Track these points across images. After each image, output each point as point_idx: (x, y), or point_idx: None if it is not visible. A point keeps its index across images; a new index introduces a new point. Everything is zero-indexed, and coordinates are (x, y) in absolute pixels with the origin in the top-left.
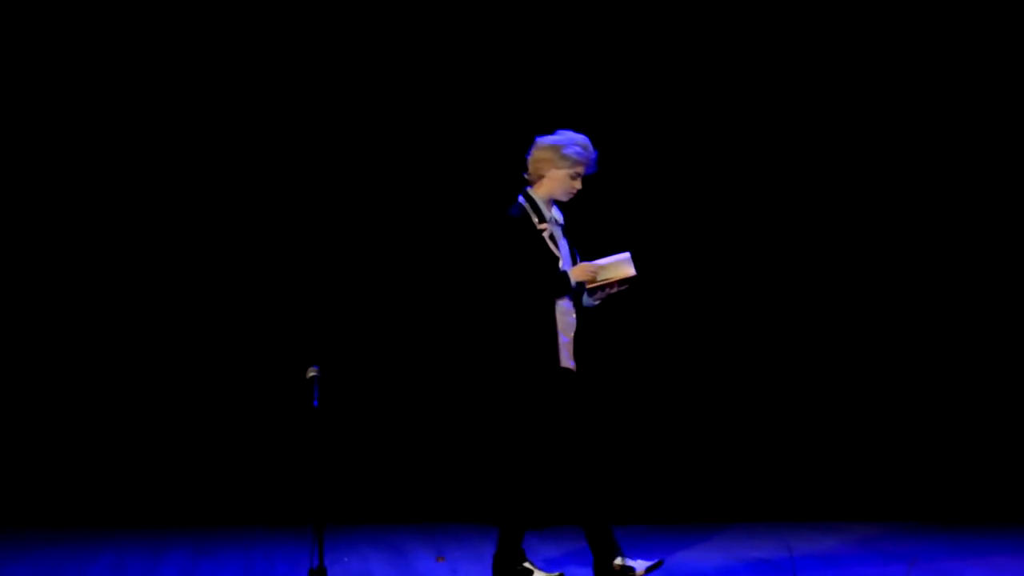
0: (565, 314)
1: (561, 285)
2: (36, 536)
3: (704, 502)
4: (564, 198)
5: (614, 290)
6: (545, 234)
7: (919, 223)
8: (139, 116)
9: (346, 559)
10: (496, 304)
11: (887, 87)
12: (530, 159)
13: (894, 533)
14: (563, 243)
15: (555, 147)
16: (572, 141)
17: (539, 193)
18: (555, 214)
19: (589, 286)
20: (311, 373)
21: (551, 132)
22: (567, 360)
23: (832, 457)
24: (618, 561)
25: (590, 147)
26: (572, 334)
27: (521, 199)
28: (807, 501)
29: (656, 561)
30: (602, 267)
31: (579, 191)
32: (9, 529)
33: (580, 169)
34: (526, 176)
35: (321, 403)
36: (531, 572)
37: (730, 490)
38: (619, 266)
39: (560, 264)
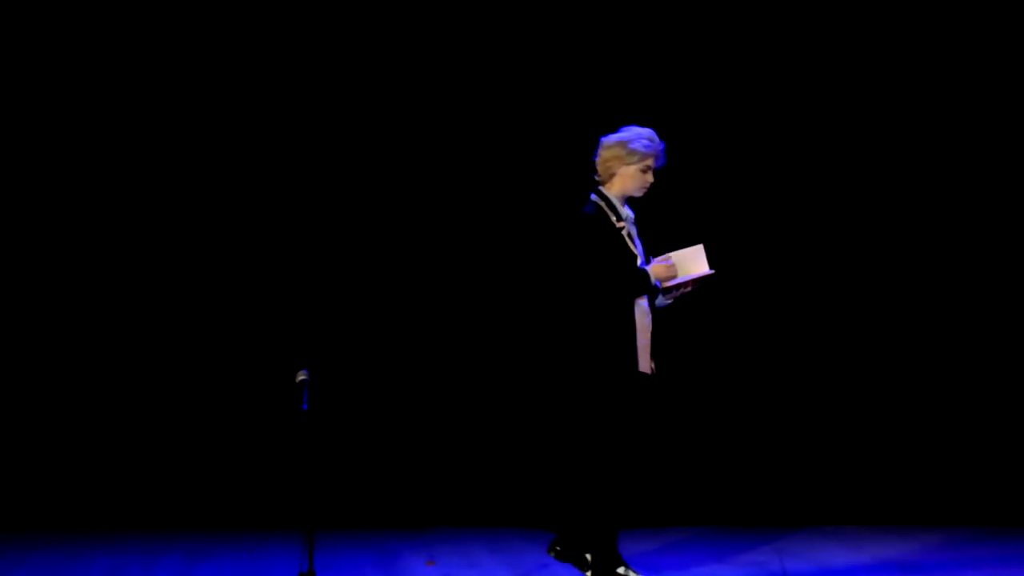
0: (644, 315)
1: (642, 284)
2: (33, 540)
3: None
4: (638, 193)
5: (688, 289)
6: (623, 232)
7: (921, 226)
8: (126, 118)
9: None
10: (575, 305)
11: (887, 88)
12: (598, 159)
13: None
14: (638, 241)
15: (622, 143)
16: (638, 135)
17: (613, 191)
18: (628, 212)
19: (665, 285)
20: (301, 377)
21: (602, 130)
22: (645, 363)
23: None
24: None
25: (656, 139)
26: (649, 335)
27: (595, 197)
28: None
29: None
30: (677, 262)
31: (652, 185)
32: (5, 534)
33: (650, 162)
34: (596, 178)
35: (312, 406)
36: None
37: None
38: (694, 260)
39: (638, 262)
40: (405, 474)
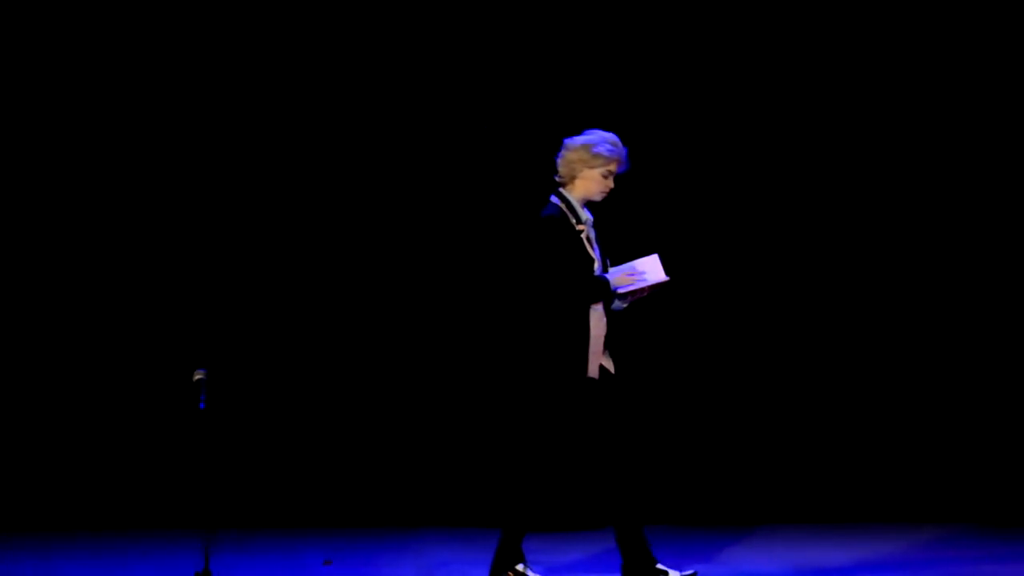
0: (599, 319)
1: (601, 290)
2: None
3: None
4: (598, 198)
5: (644, 294)
6: (583, 235)
7: (905, 219)
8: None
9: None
10: (530, 307)
11: (884, 89)
12: (561, 160)
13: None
14: (596, 245)
15: (587, 146)
16: (602, 139)
17: (574, 194)
18: (587, 215)
19: (622, 291)
20: (198, 376)
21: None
22: (595, 369)
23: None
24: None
25: (620, 144)
26: (603, 341)
27: (555, 200)
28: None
29: (691, 572)
30: (637, 271)
31: (612, 190)
32: None
33: (613, 167)
34: (557, 179)
35: (210, 405)
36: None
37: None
38: (652, 269)
39: (596, 267)
40: (307, 474)
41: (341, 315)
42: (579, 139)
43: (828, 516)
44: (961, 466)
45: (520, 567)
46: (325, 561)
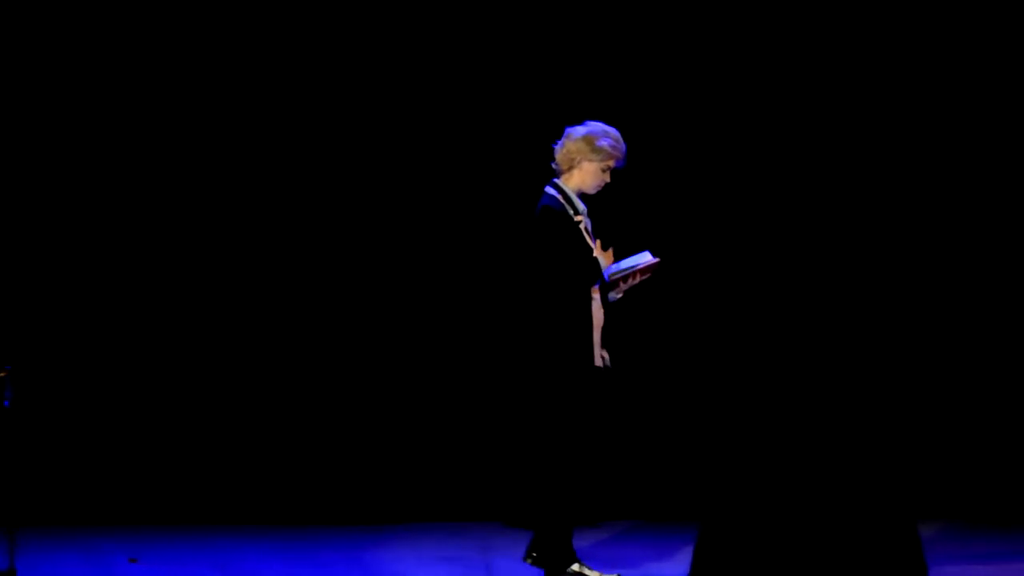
0: (597, 309)
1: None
2: None
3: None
4: (593, 191)
5: (636, 280)
6: (581, 226)
7: (886, 216)
8: None
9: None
10: (533, 299)
11: (883, 89)
12: (561, 149)
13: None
14: (593, 237)
15: (589, 139)
16: (605, 133)
17: (570, 184)
18: (582, 205)
19: (612, 276)
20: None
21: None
22: (598, 357)
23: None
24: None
25: (621, 140)
26: (600, 330)
27: (552, 191)
28: None
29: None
30: (629, 266)
31: (607, 185)
32: None
33: (611, 163)
34: (554, 166)
35: (15, 403)
36: (583, 574)
37: None
38: (642, 261)
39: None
40: (114, 472)
41: (336, 312)
42: (582, 129)
43: None
44: (953, 463)
45: (576, 567)
46: (131, 559)
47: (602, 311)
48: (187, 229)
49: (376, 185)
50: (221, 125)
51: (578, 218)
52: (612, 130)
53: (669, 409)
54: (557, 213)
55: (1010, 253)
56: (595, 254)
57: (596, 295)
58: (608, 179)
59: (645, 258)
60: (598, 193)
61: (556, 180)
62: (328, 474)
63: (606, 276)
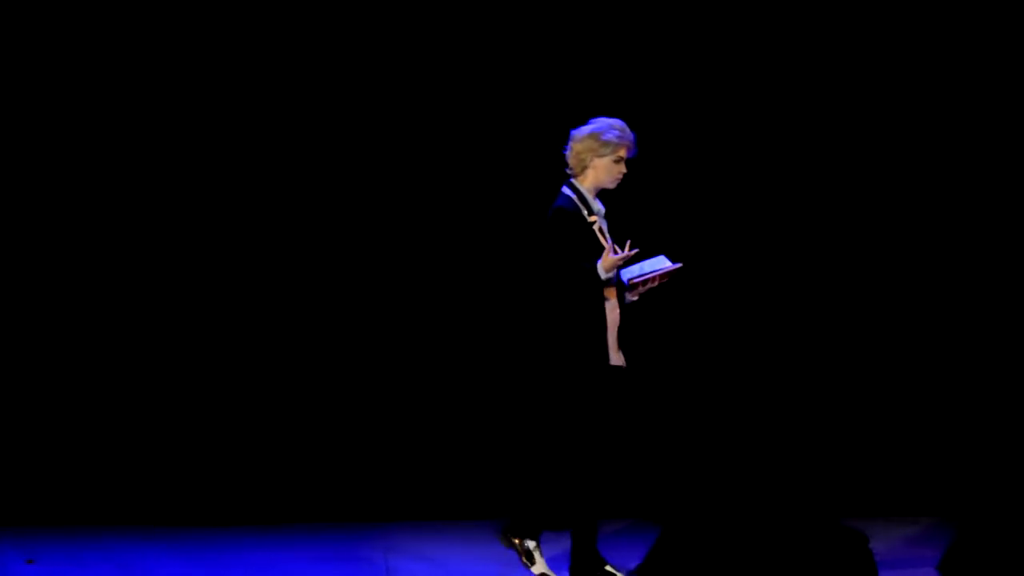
0: (612, 309)
1: (594, 276)
2: None
3: None
4: (611, 185)
5: (655, 284)
6: (595, 227)
7: (882, 219)
8: None
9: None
10: (543, 300)
11: (882, 88)
12: (569, 152)
13: None
14: (608, 238)
15: (594, 135)
16: (609, 126)
17: (586, 184)
18: (599, 206)
19: (631, 281)
20: None
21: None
22: (615, 357)
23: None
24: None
25: (627, 129)
26: (616, 330)
27: (568, 191)
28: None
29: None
30: (645, 271)
31: (625, 176)
32: None
33: (622, 153)
34: (568, 171)
35: None
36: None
37: None
38: (659, 265)
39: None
40: (8, 471)
41: (341, 310)
42: (585, 128)
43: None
44: (949, 461)
45: (609, 568)
46: (28, 560)
47: (617, 311)
48: (184, 226)
49: (384, 180)
50: (230, 122)
51: (592, 219)
52: (616, 121)
53: (671, 409)
54: (569, 213)
55: (1010, 253)
56: (608, 255)
57: (612, 297)
58: (624, 170)
59: (662, 262)
60: (616, 195)
61: (572, 181)
62: (246, 474)
63: (624, 279)
